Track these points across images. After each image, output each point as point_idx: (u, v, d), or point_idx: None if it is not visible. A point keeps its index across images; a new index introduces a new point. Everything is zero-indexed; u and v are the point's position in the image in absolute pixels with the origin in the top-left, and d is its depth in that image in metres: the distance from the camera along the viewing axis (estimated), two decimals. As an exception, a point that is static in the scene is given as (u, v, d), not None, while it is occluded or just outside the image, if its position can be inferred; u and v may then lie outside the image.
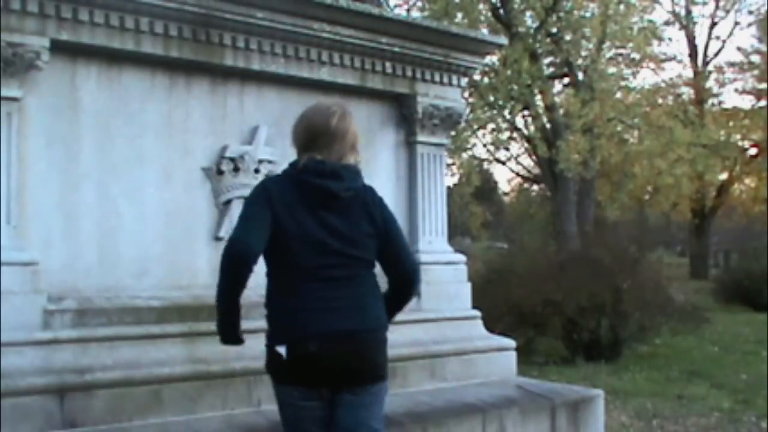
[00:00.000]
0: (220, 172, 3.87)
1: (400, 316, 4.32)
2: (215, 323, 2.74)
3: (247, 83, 4.00)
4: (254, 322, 3.85)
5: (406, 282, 2.79)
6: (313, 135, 2.74)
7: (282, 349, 2.59)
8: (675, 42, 31.22)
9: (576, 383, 5.77)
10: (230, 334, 2.82)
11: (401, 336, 4.28)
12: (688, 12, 24.90)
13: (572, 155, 15.16)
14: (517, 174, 25.10)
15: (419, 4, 16.58)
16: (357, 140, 2.76)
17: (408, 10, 16.10)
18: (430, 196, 4.54)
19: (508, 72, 14.70)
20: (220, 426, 3.44)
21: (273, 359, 2.65)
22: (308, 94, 4.18)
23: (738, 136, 23.85)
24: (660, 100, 18.92)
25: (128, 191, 3.63)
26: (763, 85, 25.14)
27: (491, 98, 15.82)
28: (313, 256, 2.58)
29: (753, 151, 24.90)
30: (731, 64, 26.65)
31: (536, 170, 21.70)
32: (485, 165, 22.71)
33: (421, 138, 4.51)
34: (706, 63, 26.32)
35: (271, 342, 2.69)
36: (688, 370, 8.13)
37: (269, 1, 3.79)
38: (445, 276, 4.53)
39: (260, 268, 4.03)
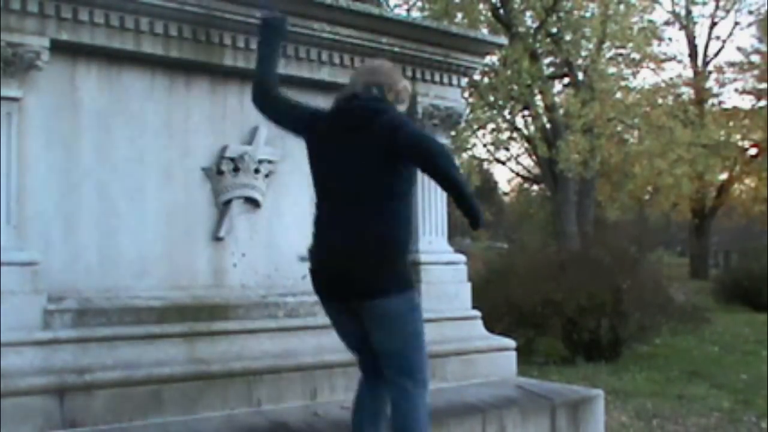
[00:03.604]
0: (220, 172, 3.87)
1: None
2: None
3: (247, 83, 3.98)
4: (254, 322, 3.87)
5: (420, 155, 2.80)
6: None
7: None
8: (675, 42, 31.26)
9: (576, 383, 5.77)
10: None
11: (401, 336, 4.28)
12: (688, 12, 24.86)
13: (572, 155, 15.15)
14: (517, 174, 25.12)
15: (419, 4, 16.56)
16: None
17: (408, 10, 16.08)
18: (430, 196, 4.53)
19: (508, 72, 14.69)
20: (220, 426, 3.44)
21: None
22: (308, 94, 4.18)
23: (738, 136, 23.83)
24: (660, 100, 18.87)
25: (128, 191, 3.63)
26: (763, 85, 25.12)
27: (491, 98, 15.82)
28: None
29: (753, 151, 24.89)
30: (731, 64, 26.64)
31: (536, 170, 21.70)
32: (485, 165, 22.72)
33: (421, 138, 4.50)
34: (706, 63, 26.31)
35: None
36: (688, 370, 8.12)
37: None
38: (445, 276, 4.53)
39: (261, 264, 4.04)
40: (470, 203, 2.75)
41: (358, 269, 2.74)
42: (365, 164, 2.78)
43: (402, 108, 3.03)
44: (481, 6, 16.02)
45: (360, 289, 2.75)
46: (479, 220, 2.78)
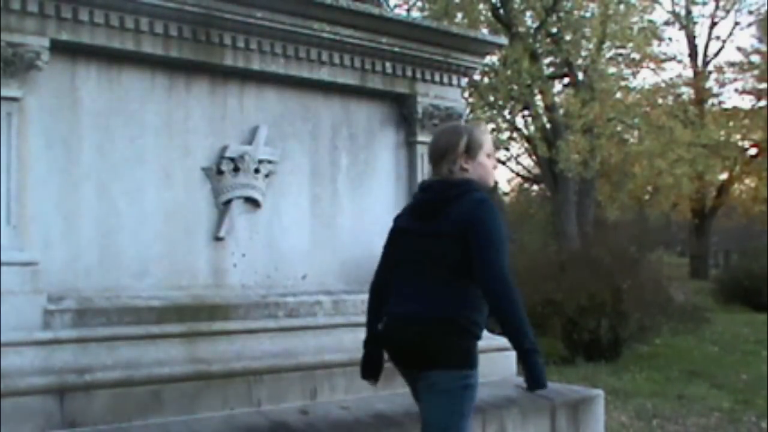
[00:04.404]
0: (220, 172, 3.87)
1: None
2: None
3: (247, 83, 4.00)
4: (254, 322, 3.87)
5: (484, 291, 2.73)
6: None
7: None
8: (675, 42, 31.24)
9: (576, 383, 5.77)
10: None
11: (401, 336, 4.28)
12: (688, 12, 24.87)
13: (572, 155, 15.16)
14: (517, 174, 25.12)
15: (419, 4, 16.57)
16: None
17: (408, 10, 16.09)
18: (430, 196, 4.53)
19: (508, 72, 14.70)
20: (220, 426, 3.44)
21: None
22: (308, 94, 4.19)
23: (738, 136, 23.83)
24: (660, 100, 18.90)
25: (128, 191, 3.63)
26: (763, 85, 25.12)
27: (491, 98, 15.83)
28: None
29: (753, 151, 24.89)
30: (731, 64, 26.63)
31: (536, 170, 21.70)
32: (485, 165, 22.66)
33: (421, 138, 4.50)
34: (706, 63, 26.32)
35: None
36: (688, 370, 8.13)
37: (269, 1, 3.79)
38: (445, 276, 4.52)
39: (261, 264, 4.04)
40: (530, 360, 2.64)
41: (417, 340, 2.75)
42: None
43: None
44: (481, 6, 16.02)
45: (416, 359, 2.77)
46: (536, 379, 2.65)
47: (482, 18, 16.15)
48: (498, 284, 2.64)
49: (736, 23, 32.70)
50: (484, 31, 14.25)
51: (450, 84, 4.60)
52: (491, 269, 2.65)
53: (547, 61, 17.26)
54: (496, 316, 2.68)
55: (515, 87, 15.04)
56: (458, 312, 2.73)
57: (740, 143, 24.04)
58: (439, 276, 2.75)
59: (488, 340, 4.59)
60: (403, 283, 2.86)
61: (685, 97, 22.97)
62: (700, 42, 26.31)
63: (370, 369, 3.00)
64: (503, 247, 2.70)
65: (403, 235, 2.92)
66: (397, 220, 3.02)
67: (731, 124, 23.46)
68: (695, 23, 25.73)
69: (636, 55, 18.40)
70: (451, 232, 2.73)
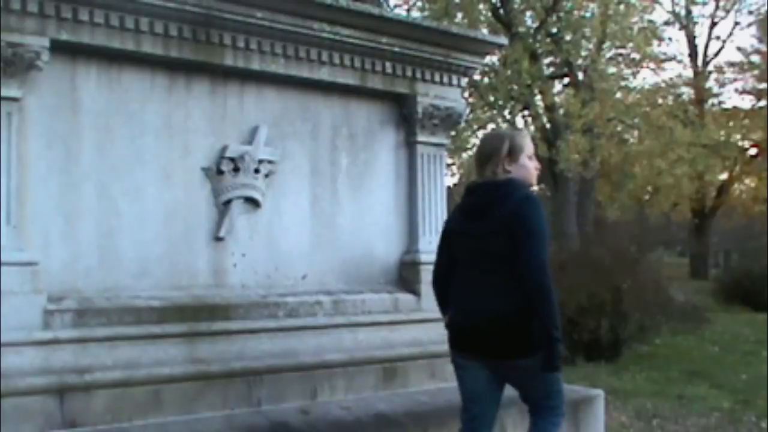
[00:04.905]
0: (220, 172, 3.87)
1: (400, 316, 4.34)
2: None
3: (247, 83, 4.00)
4: (254, 322, 3.87)
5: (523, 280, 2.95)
6: None
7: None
8: (675, 42, 31.12)
9: (576, 383, 5.76)
10: None
11: (401, 336, 4.29)
12: (688, 12, 24.86)
13: (572, 155, 15.15)
14: (517, 174, 25.02)
15: (419, 4, 16.57)
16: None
17: (408, 10, 16.08)
18: (430, 196, 4.54)
19: (508, 72, 14.69)
20: (220, 426, 3.44)
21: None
22: (308, 94, 4.19)
23: (738, 136, 23.83)
24: (660, 100, 18.87)
25: (128, 191, 3.63)
26: (763, 85, 25.12)
27: (491, 98, 15.81)
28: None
29: (753, 151, 24.89)
30: (731, 64, 26.63)
31: (536, 170, 21.64)
32: (485, 165, 22.67)
33: (421, 138, 4.51)
34: (706, 63, 26.30)
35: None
36: (688, 370, 8.12)
37: (269, 1, 3.79)
38: (445, 276, 4.53)
39: (261, 264, 4.05)
40: (552, 346, 2.90)
41: (499, 334, 2.99)
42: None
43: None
44: (481, 6, 16.01)
45: (500, 350, 3.01)
46: (552, 364, 2.92)
47: (482, 18, 16.15)
48: (537, 274, 2.89)
49: (736, 23, 32.64)
50: (484, 31, 14.24)
51: (450, 84, 4.60)
52: (532, 260, 2.90)
53: (547, 61, 17.25)
54: (532, 304, 2.90)
55: (515, 87, 15.04)
56: (525, 302, 2.93)
57: (740, 143, 24.04)
58: (498, 271, 3.00)
59: (488, 340, 4.59)
60: (467, 280, 3.12)
61: (685, 97, 22.95)
62: (700, 42, 26.31)
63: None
64: (544, 240, 2.96)
65: (457, 235, 3.18)
66: (449, 221, 3.30)
67: (731, 124, 23.48)
68: (695, 23, 25.73)
69: (636, 55, 18.37)
70: (501, 229, 2.97)
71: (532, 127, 16.95)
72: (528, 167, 3.17)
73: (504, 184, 3.07)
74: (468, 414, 3.21)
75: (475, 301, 3.06)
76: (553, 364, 2.91)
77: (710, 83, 25.82)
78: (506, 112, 17.01)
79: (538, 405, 3.16)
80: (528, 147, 3.19)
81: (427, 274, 4.41)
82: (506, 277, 2.97)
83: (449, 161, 18.00)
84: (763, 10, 24.38)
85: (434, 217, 4.55)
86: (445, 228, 3.31)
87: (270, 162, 4.02)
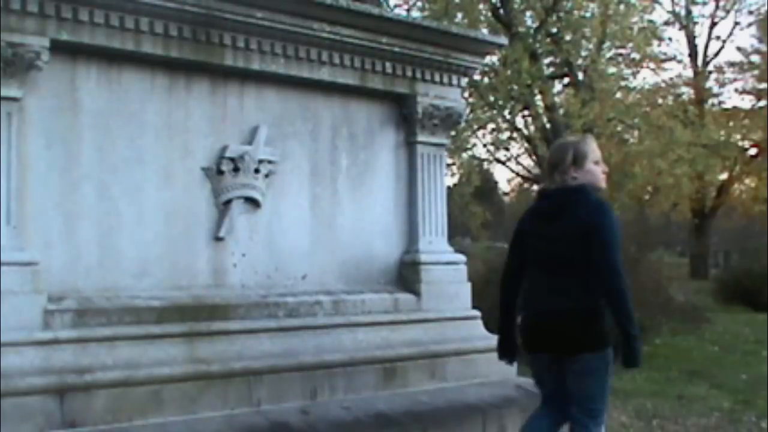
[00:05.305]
0: (220, 172, 3.87)
1: (400, 317, 4.34)
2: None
3: (247, 83, 4.00)
4: (254, 322, 3.87)
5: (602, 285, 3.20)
6: None
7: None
8: (675, 42, 31.12)
9: (576, 383, 5.75)
10: None
11: (401, 336, 4.29)
12: (688, 12, 24.82)
13: (572, 155, 15.11)
14: (517, 174, 25.04)
15: (419, 4, 16.54)
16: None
17: (408, 10, 16.07)
18: (430, 196, 4.54)
19: (508, 72, 14.68)
20: (220, 426, 3.44)
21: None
22: (308, 94, 4.20)
23: (738, 136, 23.78)
24: (660, 100, 18.89)
25: (128, 191, 3.63)
26: (763, 85, 25.09)
27: (491, 98, 15.79)
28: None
29: (753, 151, 24.84)
30: (731, 64, 26.58)
31: (536, 170, 21.65)
32: (485, 165, 22.66)
33: (421, 138, 4.51)
34: (706, 63, 26.26)
35: None
36: (688, 370, 8.12)
37: (269, 1, 3.79)
38: (446, 276, 4.53)
39: (261, 264, 4.05)
40: (633, 343, 3.18)
41: (568, 331, 3.23)
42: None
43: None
44: (481, 6, 15.99)
45: (567, 346, 3.25)
46: (633, 360, 3.18)
47: (482, 18, 16.12)
48: (615, 279, 3.15)
49: (736, 23, 32.56)
50: (484, 31, 14.23)
51: (450, 84, 4.60)
52: (611, 266, 3.14)
53: (547, 61, 17.23)
54: (611, 306, 3.18)
55: (515, 87, 15.02)
56: (593, 302, 3.20)
57: (740, 143, 23.99)
58: (569, 272, 3.21)
59: (488, 340, 4.60)
60: (539, 280, 3.33)
61: (685, 97, 22.94)
62: (700, 42, 26.25)
63: (509, 352, 3.49)
64: (619, 247, 3.19)
65: (530, 237, 3.37)
66: (523, 224, 3.47)
67: (731, 124, 23.45)
68: (695, 23, 25.67)
69: (636, 55, 18.37)
70: (574, 232, 3.17)
71: (532, 127, 16.97)
72: (594, 172, 3.34)
73: (575, 190, 3.27)
74: (544, 398, 3.47)
75: (548, 302, 3.26)
76: (634, 359, 3.16)
77: (710, 83, 25.79)
78: (506, 112, 16.99)
79: (582, 407, 3.29)
80: (593, 153, 3.35)
81: (427, 274, 4.43)
82: (576, 279, 3.19)
83: (449, 161, 17.98)
84: (763, 10, 24.37)
85: (434, 217, 4.55)
86: (517, 230, 3.48)
87: (270, 162, 4.02)
